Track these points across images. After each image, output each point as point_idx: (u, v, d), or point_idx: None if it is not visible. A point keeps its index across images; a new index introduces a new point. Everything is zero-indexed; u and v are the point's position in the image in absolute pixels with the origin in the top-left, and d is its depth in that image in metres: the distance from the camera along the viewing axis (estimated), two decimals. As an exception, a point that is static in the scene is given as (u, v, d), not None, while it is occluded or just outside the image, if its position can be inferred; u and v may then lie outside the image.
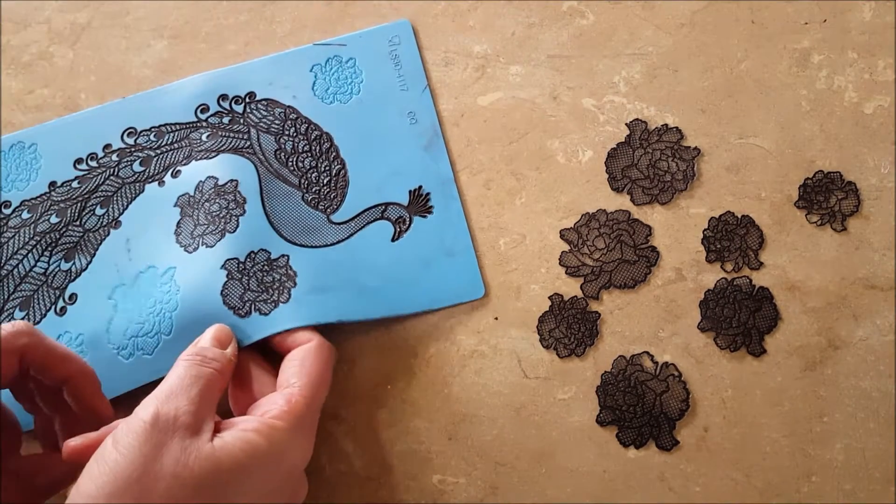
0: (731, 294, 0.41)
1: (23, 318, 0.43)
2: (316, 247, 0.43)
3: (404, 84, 0.45)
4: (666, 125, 0.44)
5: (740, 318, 0.41)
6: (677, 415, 0.41)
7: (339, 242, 0.43)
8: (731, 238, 0.42)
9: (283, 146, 0.45)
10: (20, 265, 0.44)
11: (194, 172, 0.44)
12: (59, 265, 0.44)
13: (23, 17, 0.50)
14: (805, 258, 0.42)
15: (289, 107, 0.46)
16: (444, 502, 0.41)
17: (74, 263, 0.44)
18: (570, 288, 0.43)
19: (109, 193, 0.45)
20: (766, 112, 0.43)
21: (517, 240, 0.43)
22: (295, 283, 0.42)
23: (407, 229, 0.44)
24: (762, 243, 0.42)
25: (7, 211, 0.46)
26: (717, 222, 0.42)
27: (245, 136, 0.45)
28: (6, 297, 0.44)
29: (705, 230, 0.42)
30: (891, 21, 0.43)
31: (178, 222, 0.43)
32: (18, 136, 0.47)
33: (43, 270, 0.44)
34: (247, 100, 0.46)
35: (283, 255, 0.42)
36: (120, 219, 0.45)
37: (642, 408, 0.41)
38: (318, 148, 0.45)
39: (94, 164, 0.46)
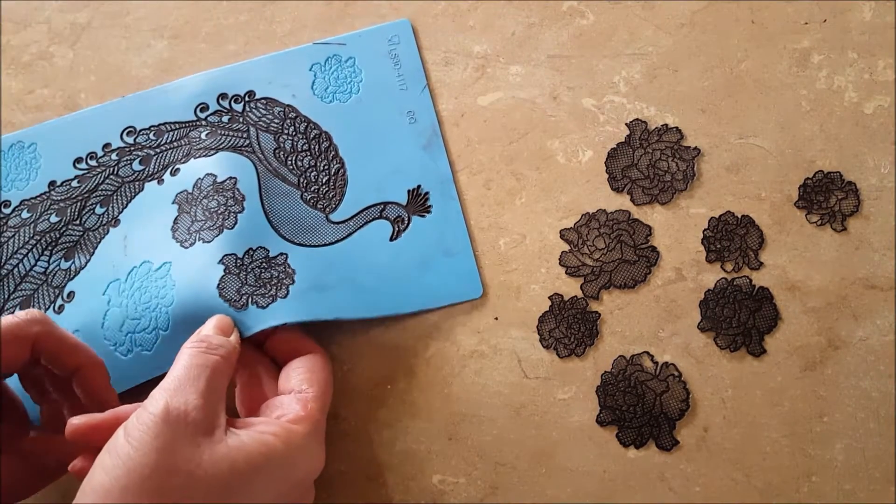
0: (731, 294, 0.41)
1: None
2: (314, 246, 0.43)
3: (403, 83, 0.46)
4: (666, 125, 0.44)
5: (740, 318, 0.41)
6: (677, 415, 0.40)
7: (337, 241, 0.43)
8: (731, 238, 0.42)
9: (282, 145, 0.45)
10: (20, 264, 0.44)
11: (193, 170, 0.44)
12: (58, 264, 0.44)
13: (23, 17, 0.50)
14: (805, 258, 0.42)
15: (288, 106, 0.46)
16: (444, 502, 0.41)
17: (74, 262, 0.44)
18: (570, 288, 0.43)
19: (109, 192, 0.45)
20: (766, 112, 0.43)
21: (517, 240, 0.43)
22: (293, 281, 0.42)
23: (405, 229, 0.44)
24: (762, 243, 0.42)
25: (7, 210, 0.46)
26: (717, 222, 0.42)
27: (244, 135, 0.45)
28: (6, 296, 0.44)
29: (705, 230, 0.42)
30: (891, 21, 0.43)
31: (176, 219, 0.43)
32: (18, 135, 0.47)
33: (43, 269, 0.44)
34: (246, 98, 0.46)
35: (281, 254, 0.42)
36: (119, 217, 0.45)
37: (642, 408, 0.41)
38: (317, 147, 0.45)
39: (93, 163, 0.46)
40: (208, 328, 0.39)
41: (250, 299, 0.41)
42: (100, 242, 0.44)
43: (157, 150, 0.45)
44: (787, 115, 0.43)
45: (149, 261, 0.43)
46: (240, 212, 0.43)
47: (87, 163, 0.46)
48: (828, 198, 0.42)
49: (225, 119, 0.46)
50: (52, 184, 0.46)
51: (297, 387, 0.38)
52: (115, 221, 0.45)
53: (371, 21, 0.47)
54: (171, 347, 0.40)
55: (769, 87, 0.43)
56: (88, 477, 0.31)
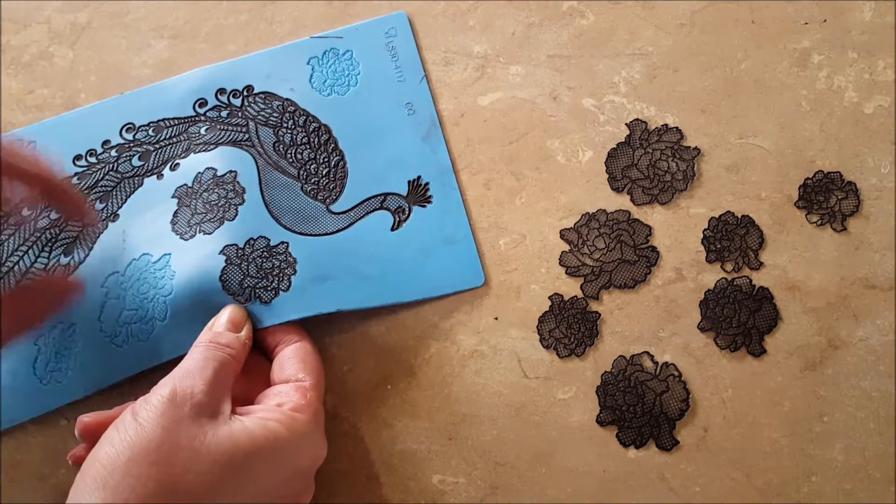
0: (731, 294, 0.41)
1: None
2: (315, 235, 0.43)
3: (401, 75, 0.46)
4: (666, 125, 0.44)
5: (740, 318, 0.41)
6: (677, 415, 0.40)
7: (338, 231, 0.43)
8: (731, 238, 0.42)
9: (281, 138, 0.45)
10: (20, 262, 0.44)
11: (193, 164, 0.45)
12: (58, 259, 0.44)
13: (23, 17, 0.50)
14: (805, 258, 0.42)
15: (287, 99, 0.46)
16: (444, 502, 0.41)
17: (73, 257, 0.44)
18: (570, 288, 0.43)
19: (108, 188, 0.45)
20: (766, 112, 0.43)
21: (517, 240, 0.43)
22: (295, 271, 0.42)
23: (406, 219, 0.44)
24: (762, 243, 0.42)
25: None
26: (717, 222, 0.42)
27: (244, 129, 0.45)
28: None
29: (705, 230, 0.42)
30: (891, 21, 0.43)
31: (175, 212, 0.44)
32: (17, 133, 0.47)
33: (43, 266, 0.44)
34: (245, 93, 0.46)
35: (282, 242, 0.42)
36: (118, 212, 0.45)
37: (642, 408, 0.41)
38: (316, 140, 0.45)
39: (93, 160, 0.46)
40: (221, 323, 0.39)
41: (253, 293, 0.41)
42: (99, 237, 0.44)
43: (157, 146, 0.45)
44: (787, 115, 0.43)
45: (148, 253, 0.43)
46: (240, 204, 0.43)
47: (86, 160, 0.46)
48: (828, 198, 0.42)
49: (224, 114, 0.46)
50: (51, 182, 0.46)
51: (293, 376, 0.38)
52: (115, 216, 0.45)
53: (371, 21, 0.47)
54: (169, 337, 0.40)
55: (769, 87, 0.43)
56: (94, 450, 0.33)
